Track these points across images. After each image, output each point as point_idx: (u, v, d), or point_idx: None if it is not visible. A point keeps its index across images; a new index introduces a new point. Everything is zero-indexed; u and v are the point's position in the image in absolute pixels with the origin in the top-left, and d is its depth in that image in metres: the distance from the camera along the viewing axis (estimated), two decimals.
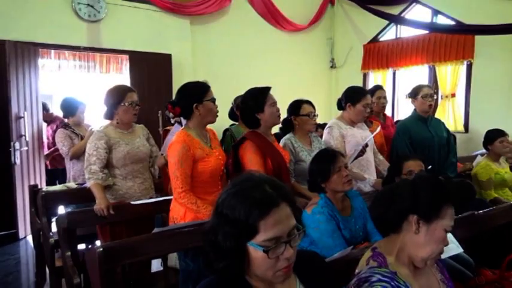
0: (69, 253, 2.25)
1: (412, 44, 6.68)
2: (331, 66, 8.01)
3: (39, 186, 3.50)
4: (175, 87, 5.59)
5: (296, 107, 2.84)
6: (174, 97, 5.42)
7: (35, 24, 4.83)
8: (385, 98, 3.87)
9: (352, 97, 3.03)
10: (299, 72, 7.34)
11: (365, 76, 7.53)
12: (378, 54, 7.21)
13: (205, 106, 2.29)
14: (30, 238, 4.30)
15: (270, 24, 7.09)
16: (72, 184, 3.27)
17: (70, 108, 3.95)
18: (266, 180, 1.07)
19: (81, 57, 5.48)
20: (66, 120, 4.02)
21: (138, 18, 5.58)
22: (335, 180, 2.14)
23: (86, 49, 5.26)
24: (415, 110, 3.51)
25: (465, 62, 6.13)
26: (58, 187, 3.17)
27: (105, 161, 2.64)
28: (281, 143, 2.82)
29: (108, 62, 5.66)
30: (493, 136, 3.67)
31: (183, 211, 2.26)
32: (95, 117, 6.83)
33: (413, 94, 3.43)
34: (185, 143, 2.21)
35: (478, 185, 3.59)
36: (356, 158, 2.74)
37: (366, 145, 2.79)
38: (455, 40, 6.13)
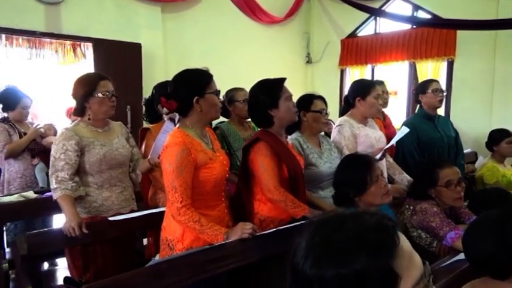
0: None
1: (392, 40, 6.50)
2: (307, 62, 7.70)
3: None
4: (146, 80, 5.16)
5: (307, 101, 2.45)
6: (144, 91, 5.02)
7: None
8: (387, 93, 3.58)
9: (360, 90, 2.70)
10: (274, 66, 6.92)
11: (342, 72, 7.27)
12: (356, 50, 6.97)
13: (208, 100, 1.84)
14: None
15: (245, 15, 6.66)
16: (30, 194, 2.69)
17: (9, 100, 3.28)
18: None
19: (36, 44, 4.77)
20: (5, 114, 3.32)
21: (103, 3, 4.96)
22: (373, 193, 1.77)
23: (42, 35, 4.57)
24: (421, 107, 3.24)
25: (446, 60, 5.99)
26: (13, 197, 2.59)
27: (76, 166, 2.12)
28: None
29: (68, 51, 4.97)
30: (498, 137, 3.45)
31: (180, 231, 1.81)
32: (51, 112, 6.14)
33: (422, 89, 3.15)
34: (185, 145, 1.75)
35: (483, 187, 3.36)
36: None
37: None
38: (436, 37, 6.00)
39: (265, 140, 2.02)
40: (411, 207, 2.10)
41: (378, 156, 2.35)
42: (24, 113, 3.35)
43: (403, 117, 6.19)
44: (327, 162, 2.43)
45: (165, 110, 2.33)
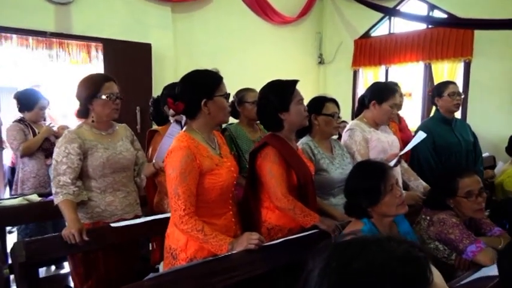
0: None
1: (407, 40, 6.35)
2: (320, 62, 7.59)
3: None
4: (156, 81, 5.11)
5: (318, 104, 2.34)
6: (154, 91, 4.96)
7: None
8: (401, 95, 3.44)
9: (379, 94, 2.58)
10: (285, 67, 6.84)
11: (355, 73, 7.14)
12: (369, 50, 6.83)
13: (217, 103, 1.75)
14: None
15: (257, 15, 6.58)
16: (34, 197, 2.64)
17: (28, 101, 3.37)
18: None
19: (47, 45, 4.74)
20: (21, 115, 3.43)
21: (114, 3, 4.92)
22: (387, 203, 1.65)
23: (53, 35, 4.54)
24: (437, 110, 3.11)
25: (463, 60, 5.82)
26: (16, 201, 2.54)
27: (79, 170, 2.06)
28: None
29: (78, 51, 4.95)
30: None
31: (183, 240, 1.72)
32: (60, 114, 6.13)
33: (438, 92, 3.02)
34: (190, 150, 1.67)
35: (503, 195, 3.22)
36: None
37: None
38: (452, 37, 5.83)
39: (273, 145, 1.92)
40: (428, 218, 1.98)
41: (392, 163, 2.24)
42: (41, 113, 3.46)
43: (418, 120, 6.04)
44: (338, 168, 2.32)
45: (171, 111, 2.25)
